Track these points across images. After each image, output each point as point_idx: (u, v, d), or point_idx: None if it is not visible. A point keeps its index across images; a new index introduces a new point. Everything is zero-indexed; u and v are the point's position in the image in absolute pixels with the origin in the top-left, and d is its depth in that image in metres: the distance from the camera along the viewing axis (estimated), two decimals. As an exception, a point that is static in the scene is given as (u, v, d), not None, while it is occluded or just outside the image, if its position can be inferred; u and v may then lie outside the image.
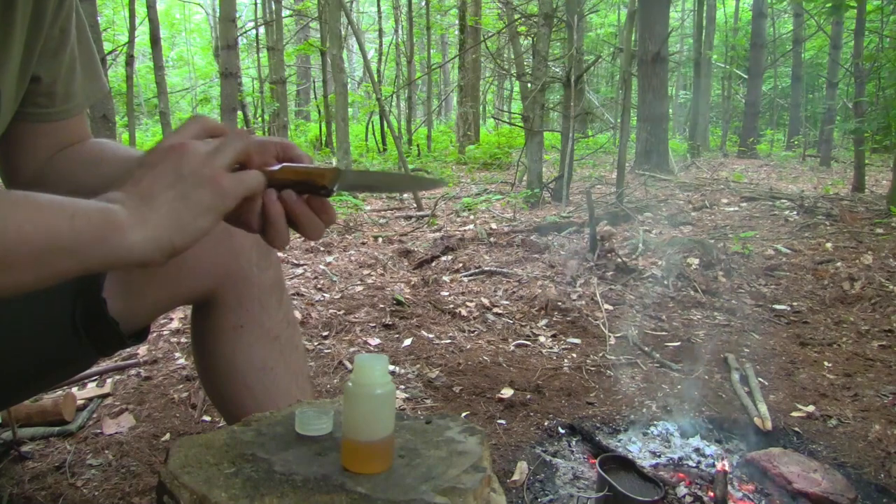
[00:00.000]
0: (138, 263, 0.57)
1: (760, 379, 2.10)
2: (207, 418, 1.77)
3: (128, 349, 2.05)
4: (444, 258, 3.68)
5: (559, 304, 2.81)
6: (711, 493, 1.42)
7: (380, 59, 14.67)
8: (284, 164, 0.68)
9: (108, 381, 1.97)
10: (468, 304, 2.85)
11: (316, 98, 15.36)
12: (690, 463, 1.60)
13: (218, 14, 6.85)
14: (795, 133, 15.58)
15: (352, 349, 2.30)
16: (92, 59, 0.91)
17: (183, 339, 2.31)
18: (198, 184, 0.59)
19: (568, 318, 2.69)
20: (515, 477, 1.51)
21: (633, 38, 8.42)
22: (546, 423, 1.78)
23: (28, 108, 0.83)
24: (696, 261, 3.49)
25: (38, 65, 0.81)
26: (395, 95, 13.92)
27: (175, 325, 2.46)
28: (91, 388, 1.91)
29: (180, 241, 0.58)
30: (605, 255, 3.57)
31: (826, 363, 2.26)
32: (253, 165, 0.65)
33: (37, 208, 0.53)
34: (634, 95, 10.55)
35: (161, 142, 0.63)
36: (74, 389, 1.88)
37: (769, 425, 1.75)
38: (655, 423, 1.80)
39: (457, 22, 14.24)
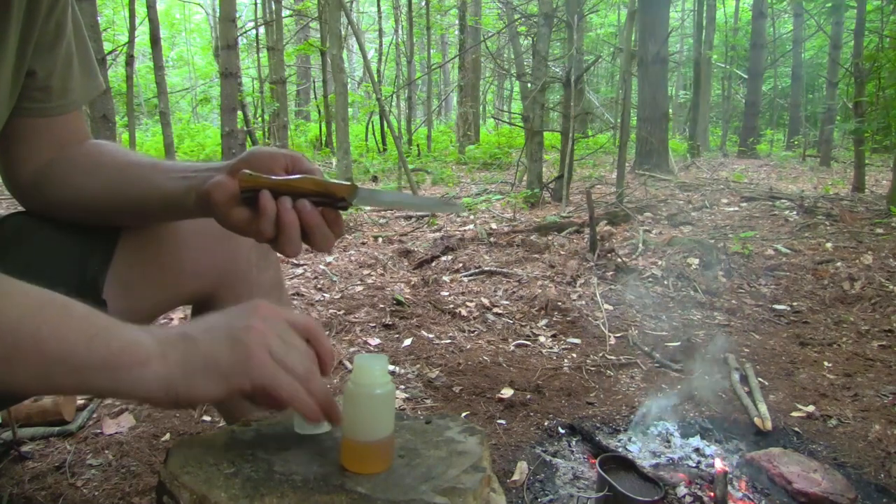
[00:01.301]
0: (139, 399, 0.57)
1: (760, 379, 2.10)
2: (207, 418, 1.77)
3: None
4: (444, 258, 3.68)
5: (559, 304, 2.81)
6: (711, 493, 1.42)
7: (380, 59, 14.67)
8: (304, 175, 0.68)
9: (108, 381, 1.97)
10: (468, 304, 2.85)
11: (316, 98, 15.36)
12: (690, 463, 1.60)
13: (218, 14, 6.85)
14: (795, 133, 15.58)
15: (352, 349, 2.30)
16: (88, 57, 0.91)
17: (183, 339, 2.31)
18: (234, 351, 0.58)
19: (568, 318, 2.69)
20: (515, 477, 1.51)
21: (633, 38, 8.42)
22: (546, 423, 1.78)
23: (24, 102, 0.83)
24: (696, 261, 3.49)
25: (33, 59, 0.81)
26: (395, 95, 13.92)
27: (175, 325, 2.46)
28: (91, 388, 1.91)
29: (185, 394, 0.58)
30: (605, 255, 3.57)
31: (826, 363, 2.26)
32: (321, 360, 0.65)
33: (61, 316, 0.53)
34: (634, 95, 10.55)
35: (261, 304, 0.63)
36: (74, 389, 1.88)
37: (769, 425, 1.75)
38: (655, 423, 1.80)
39: (457, 22, 14.25)
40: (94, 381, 0.54)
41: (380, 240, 4.33)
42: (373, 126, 13.22)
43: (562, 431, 1.75)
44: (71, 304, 0.54)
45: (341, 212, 0.70)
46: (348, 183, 0.69)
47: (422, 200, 0.80)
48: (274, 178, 0.68)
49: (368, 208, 5.80)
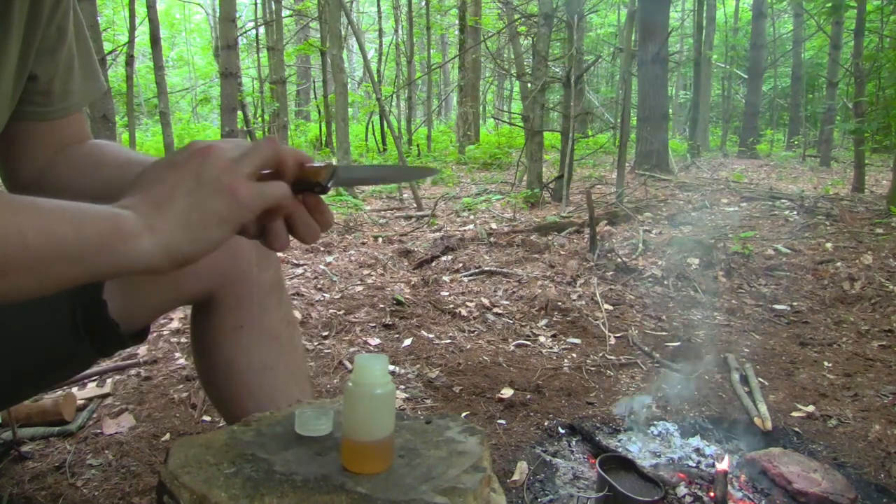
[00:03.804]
0: (145, 271, 0.56)
1: (760, 379, 2.10)
2: (207, 418, 1.77)
3: (128, 349, 2.06)
4: (444, 258, 3.68)
5: (559, 304, 2.81)
6: (711, 493, 1.42)
7: (380, 59, 14.67)
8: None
9: (108, 381, 1.97)
10: (468, 304, 2.85)
11: (316, 98, 15.36)
12: (690, 463, 1.60)
13: (218, 14, 6.85)
14: (795, 133, 15.58)
15: (352, 349, 2.30)
16: (90, 58, 0.90)
17: (183, 339, 2.31)
18: (215, 192, 0.57)
19: (568, 318, 2.69)
20: (515, 477, 1.51)
21: (633, 38, 8.42)
22: (546, 423, 1.78)
23: (25, 106, 0.83)
24: (696, 261, 3.49)
25: (35, 63, 0.81)
26: (395, 95, 13.92)
27: (175, 325, 2.46)
28: (91, 388, 1.91)
29: (191, 251, 0.57)
30: (605, 255, 3.57)
31: (826, 363, 2.26)
32: (284, 173, 0.62)
33: (41, 214, 0.52)
34: (634, 95, 10.55)
35: (192, 142, 0.61)
36: (74, 389, 1.88)
37: (769, 425, 1.76)
38: (655, 423, 1.80)
39: (457, 22, 14.25)
40: (96, 266, 0.53)
41: (380, 240, 4.33)
42: (373, 126, 13.22)
43: (562, 431, 1.76)
44: (37, 201, 0.53)
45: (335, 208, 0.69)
46: (326, 164, 0.68)
47: (397, 170, 0.79)
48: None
49: (369, 208, 5.80)
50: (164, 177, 0.58)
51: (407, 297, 2.91)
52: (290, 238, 0.67)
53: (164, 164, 0.60)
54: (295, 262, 3.57)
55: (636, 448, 1.67)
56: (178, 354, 2.19)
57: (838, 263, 3.40)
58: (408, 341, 2.40)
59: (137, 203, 0.56)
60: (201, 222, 0.57)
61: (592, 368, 2.20)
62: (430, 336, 2.47)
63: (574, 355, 2.32)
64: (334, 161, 7.67)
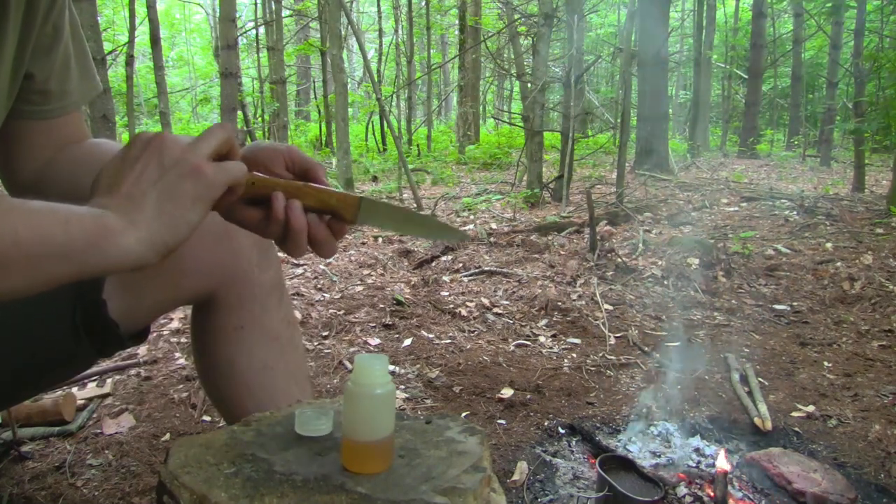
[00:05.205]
0: (133, 266, 0.57)
1: (760, 379, 2.10)
2: (207, 418, 1.77)
3: (128, 349, 2.06)
4: (444, 258, 3.68)
5: (559, 304, 2.81)
6: (711, 493, 1.42)
7: (380, 59, 14.67)
8: (308, 183, 0.69)
9: (108, 381, 1.97)
10: (468, 304, 2.85)
11: (316, 98, 15.36)
12: (690, 463, 1.60)
13: (218, 14, 6.85)
14: (795, 133, 15.57)
15: (352, 349, 2.30)
16: (85, 57, 0.91)
17: (183, 339, 2.31)
18: (181, 175, 0.58)
19: (568, 318, 2.69)
20: (515, 477, 1.51)
21: (633, 38, 8.42)
22: (546, 423, 1.78)
23: (23, 105, 0.83)
24: (696, 261, 3.49)
25: (31, 62, 0.81)
26: (395, 95, 13.91)
27: (175, 325, 2.46)
28: (91, 388, 1.91)
29: (172, 239, 0.58)
30: (605, 255, 3.57)
31: (826, 363, 2.26)
32: (235, 157, 0.64)
33: (31, 213, 0.53)
34: (634, 95, 10.55)
35: (138, 135, 0.62)
36: (74, 389, 1.88)
37: (769, 425, 1.75)
38: (655, 423, 1.80)
39: (457, 22, 14.25)
40: (84, 264, 0.54)
41: (380, 240, 4.33)
42: (373, 126, 13.22)
43: (562, 431, 1.76)
44: (27, 202, 0.54)
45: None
46: (353, 196, 0.69)
47: (428, 221, 0.79)
48: (282, 181, 0.67)
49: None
50: (124, 173, 0.59)
51: (407, 297, 2.91)
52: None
53: (119, 161, 0.60)
54: (295, 262, 3.56)
55: (636, 448, 1.67)
56: (178, 354, 2.19)
57: (838, 263, 3.40)
58: (408, 341, 2.40)
59: (111, 202, 0.57)
60: (176, 207, 0.58)
61: (592, 368, 2.20)
62: (430, 336, 2.47)
63: (574, 355, 2.32)
64: (334, 162, 7.65)
